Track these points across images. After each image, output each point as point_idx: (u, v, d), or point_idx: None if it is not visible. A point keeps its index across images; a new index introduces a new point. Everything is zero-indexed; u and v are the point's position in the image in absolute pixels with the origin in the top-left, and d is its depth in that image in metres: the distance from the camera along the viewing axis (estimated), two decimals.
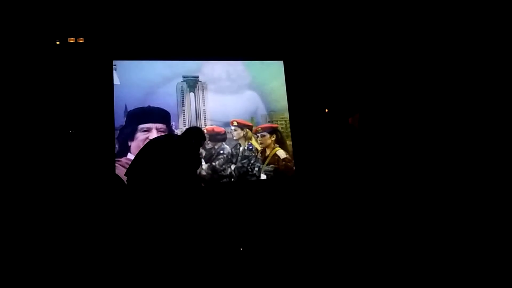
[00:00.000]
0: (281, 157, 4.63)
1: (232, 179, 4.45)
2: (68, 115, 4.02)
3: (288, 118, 4.76)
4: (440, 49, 4.69)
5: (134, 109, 4.33)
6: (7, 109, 3.78)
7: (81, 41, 4.22)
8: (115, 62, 4.36)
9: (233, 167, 4.48)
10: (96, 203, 3.40)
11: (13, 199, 3.42)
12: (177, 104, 4.49)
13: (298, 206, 4.02)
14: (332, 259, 2.62)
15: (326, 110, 4.79)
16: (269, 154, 4.62)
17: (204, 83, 4.64)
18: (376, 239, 2.73)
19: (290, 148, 4.68)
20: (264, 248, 3.05)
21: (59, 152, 3.86)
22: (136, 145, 4.16)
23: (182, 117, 4.47)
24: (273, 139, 4.68)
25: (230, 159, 4.49)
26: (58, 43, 4.15)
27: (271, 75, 4.87)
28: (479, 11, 4.19)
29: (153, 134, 4.23)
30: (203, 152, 4.34)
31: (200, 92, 4.61)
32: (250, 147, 4.59)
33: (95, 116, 4.09)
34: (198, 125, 4.37)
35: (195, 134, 3.57)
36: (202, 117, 4.54)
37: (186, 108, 4.52)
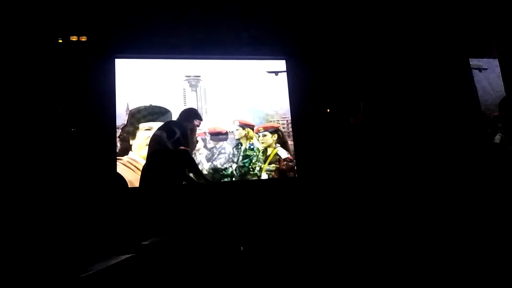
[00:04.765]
0: (283, 157, 4.63)
1: (233, 179, 4.44)
2: (70, 113, 4.02)
3: (290, 118, 4.76)
4: (441, 50, 4.67)
5: (136, 108, 4.33)
6: (9, 107, 3.79)
7: (83, 40, 4.22)
8: (117, 60, 4.36)
9: (234, 166, 4.48)
10: (97, 202, 3.40)
11: (13, 198, 3.43)
12: (179, 103, 4.49)
13: (299, 205, 4.02)
14: (333, 259, 2.61)
15: (328, 110, 4.78)
16: (270, 153, 4.62)
17: (206, 82, 4.64)
18: (378, 239, 2.72)
19: (292, 148, 4.68)
20: (265, 248, 3.05)
21: (60, 150, 3.87)
22: (137, 144, 4.16)
23: None
24: (275, 138, 4.68)
25: (231, 158, 4.49)
26: (60, 41, 4.15)
27: (273, 74, 4.86)
28: (479, 11, 4.17)
29: None
30: (204, 151, 4.34)
31: (202, 91, 4.60)
32: (252, 147, 4.58)
33: (97, 115, 4.09)
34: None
35: (188, 113, 3.64)
36: (204, 117, 4.54)
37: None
